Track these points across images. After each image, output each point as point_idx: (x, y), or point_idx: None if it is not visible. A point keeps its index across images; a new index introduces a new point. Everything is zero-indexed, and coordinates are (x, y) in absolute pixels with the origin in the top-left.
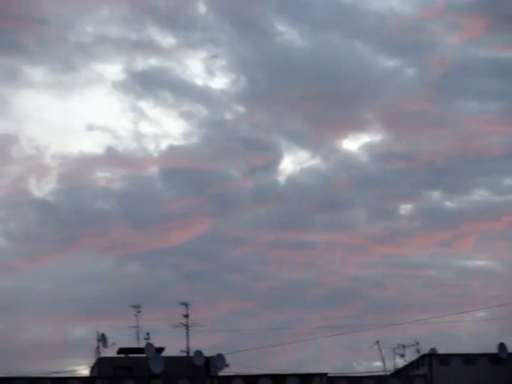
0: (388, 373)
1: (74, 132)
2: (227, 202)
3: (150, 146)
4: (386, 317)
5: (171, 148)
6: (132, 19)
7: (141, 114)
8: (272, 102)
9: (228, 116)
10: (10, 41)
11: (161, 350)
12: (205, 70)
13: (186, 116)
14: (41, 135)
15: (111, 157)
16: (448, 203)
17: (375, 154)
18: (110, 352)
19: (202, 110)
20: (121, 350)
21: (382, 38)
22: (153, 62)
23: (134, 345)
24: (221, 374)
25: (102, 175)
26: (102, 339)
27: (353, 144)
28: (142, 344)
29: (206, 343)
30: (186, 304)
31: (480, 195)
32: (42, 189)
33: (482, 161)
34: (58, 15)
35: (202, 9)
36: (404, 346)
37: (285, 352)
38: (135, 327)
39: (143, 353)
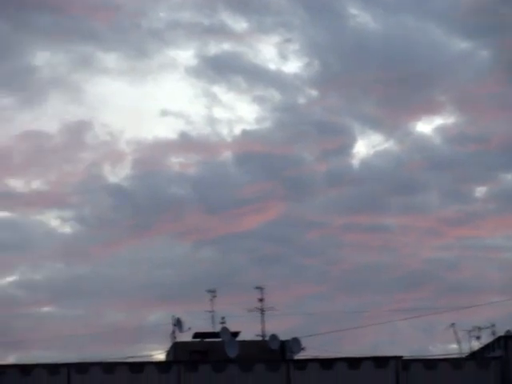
0: (463, 355)
1: (147, 118)
2: (301, 185)
3: (224, 131)
4: (462, 299)
5: (244, 133)
6: (204, 4)
7: (214, 99)
8: (345, 86)
9: (301, 100)
10: (83, 28)
11: (236, 334)
12: (278, 55)
13: (259, 100)
14: (115, 121)
15: (185, 142)
16: None
17: (448, 136)
18: (186, 337)
19: (275, 95)
20: (196, 335)
21: (456, 20)
22: (225, 46)
23: (209, 329)
24: (296, 357)
25: (176, 160)
26: (178, 324)
27: (426, 127)
28: (218, 328)
29: (281, 327)
30: (260, 288)
31: None
32: (117, 174)
33: None
34: (131, 1)
35: None
36: (480, 329)
37: (360, 335)
38: (210, 312)
39: (219, 337)
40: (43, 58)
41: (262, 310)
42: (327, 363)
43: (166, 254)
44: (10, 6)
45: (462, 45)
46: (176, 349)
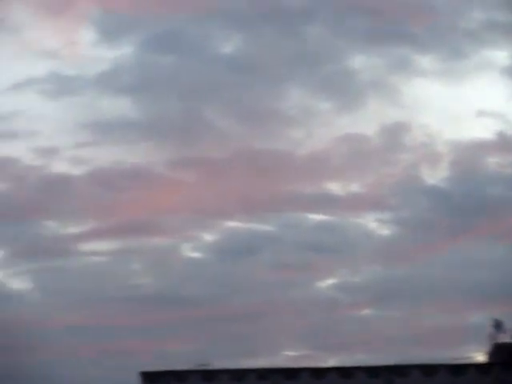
0: None
1: (464, 118)
2: None
3: None
4: None
5: None
6: None
7: None
8: None
9: None
10: (401, 31)
11: None
12: None
13: None
14: (432, 122)
15: (502, 142)
16: None
17: None
18: (507, 338)
19: None
20: None
21: None
22: None
23: None
24: None
25: (493, 160)
26: (497, 325)
27: None
28: None
29: None
30: None
31: None
32: (434, 176)
33: None
34: (447, 3)
35: None
36: None
37: None
38: None
39: None
40: (361, 62)
41: None
42: None
43: (486, 255)
44: (329, 10)
45: None
46: (497, 350)
